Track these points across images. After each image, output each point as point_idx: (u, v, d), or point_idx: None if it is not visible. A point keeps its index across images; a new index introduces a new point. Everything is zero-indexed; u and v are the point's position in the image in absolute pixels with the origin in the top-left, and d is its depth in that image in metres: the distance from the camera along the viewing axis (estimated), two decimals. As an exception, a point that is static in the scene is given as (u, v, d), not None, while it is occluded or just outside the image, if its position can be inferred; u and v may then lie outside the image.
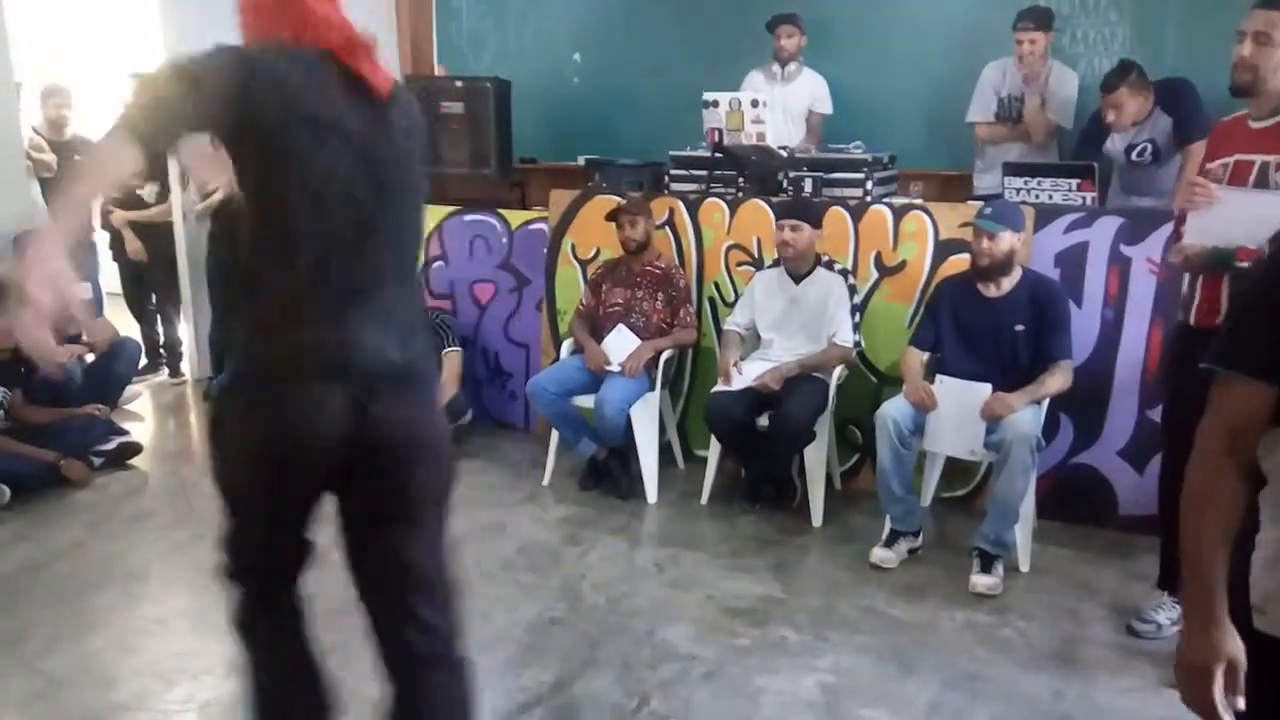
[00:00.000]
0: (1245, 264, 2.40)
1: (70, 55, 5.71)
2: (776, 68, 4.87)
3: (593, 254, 4.40)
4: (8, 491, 3.70)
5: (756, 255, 4.10)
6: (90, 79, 5.64)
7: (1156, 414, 3.35)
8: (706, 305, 4.22)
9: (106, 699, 2.51)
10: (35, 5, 5.01)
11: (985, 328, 3.29)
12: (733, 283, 4.16)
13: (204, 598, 3.01)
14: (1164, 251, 3.16)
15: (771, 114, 4.13)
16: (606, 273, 4.13)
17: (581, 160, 5.17)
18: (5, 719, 2.44)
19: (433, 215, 4.90)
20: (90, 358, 4.51)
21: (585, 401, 3.84)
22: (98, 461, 4.06)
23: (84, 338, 4.44)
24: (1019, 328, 3.24)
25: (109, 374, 4.55)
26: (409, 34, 6.19)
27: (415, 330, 1.74)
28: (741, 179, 4.25)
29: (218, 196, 4.91)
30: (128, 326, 5.21)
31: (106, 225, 5.26)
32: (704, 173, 4.33)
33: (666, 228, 4.23)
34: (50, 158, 4.85)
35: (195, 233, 5.22)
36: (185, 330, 5.52)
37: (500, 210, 4.79)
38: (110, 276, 5.46)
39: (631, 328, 3.93)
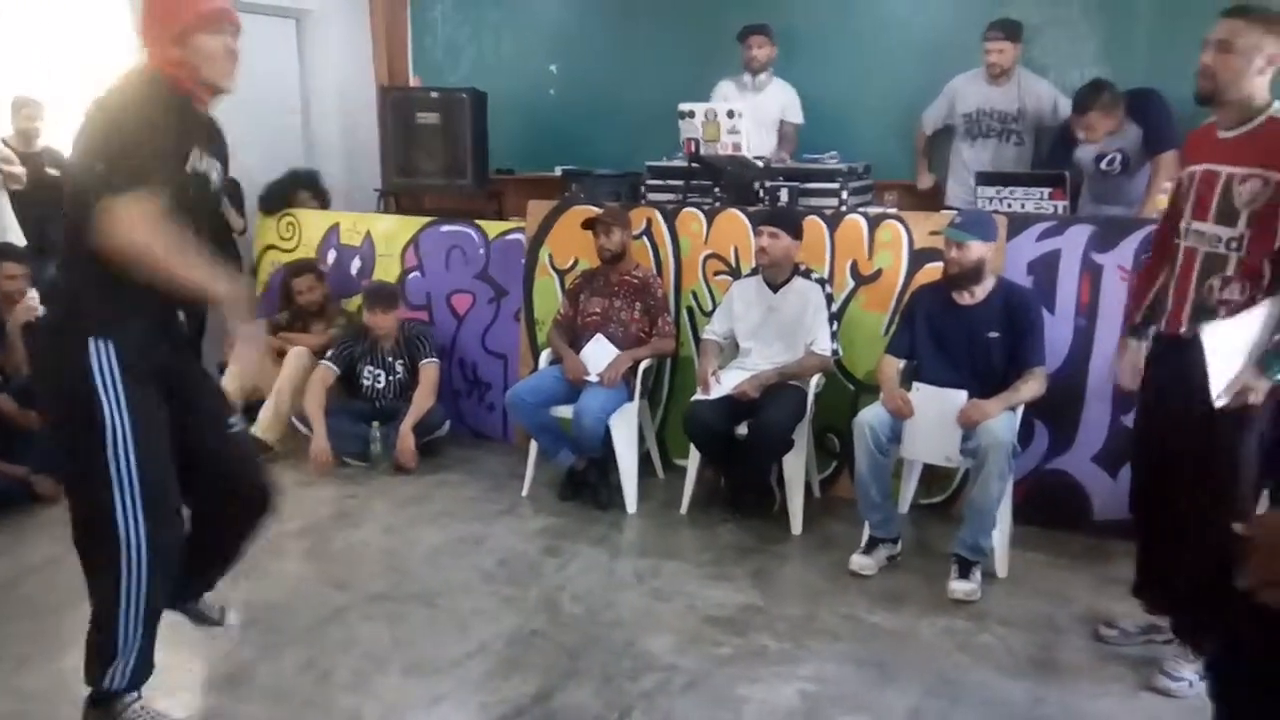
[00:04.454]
0: None
1: (41, 66, 5.65)
2: (747, 77, 4.91)
3: (570, 264, 4.40)
4: (-23, 508, 3.64)
5: (734, 265, 4.11)
6: (61, 90, 5.58)
7: (1129, 420, 3.39)
8: (684, 315, 4.22)
9: (79, 717, 2.47)
10: (6, 17, 4.94)
11: (960, 335, 3.32)
12: (710, 292, 4.17)
13: (174, 616, 2.97)
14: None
15: (744, 124, 4.16)
16: (584, 282, 4.13)
17: (558, 171, 5.18)
18: (-24, 739, 2.40)
19: (409, 226, 4.89)
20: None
21: (564, 412, 3.83)
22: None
23: None
24: (993, 335, 3.27)
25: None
26: (384, 45, 6.18)
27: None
28: (718, 189, 4.27)
29: None
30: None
31: None
32: (681, 183, 4.35)
33: (644, 238, 4.24)
34: (20, 170, 4.78)
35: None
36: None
37: (477, 221, 4.78)
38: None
39: (610, 337, 3.93)
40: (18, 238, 4.62)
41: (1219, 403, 2.34)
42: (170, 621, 2.95)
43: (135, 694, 2.32)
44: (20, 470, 3.77)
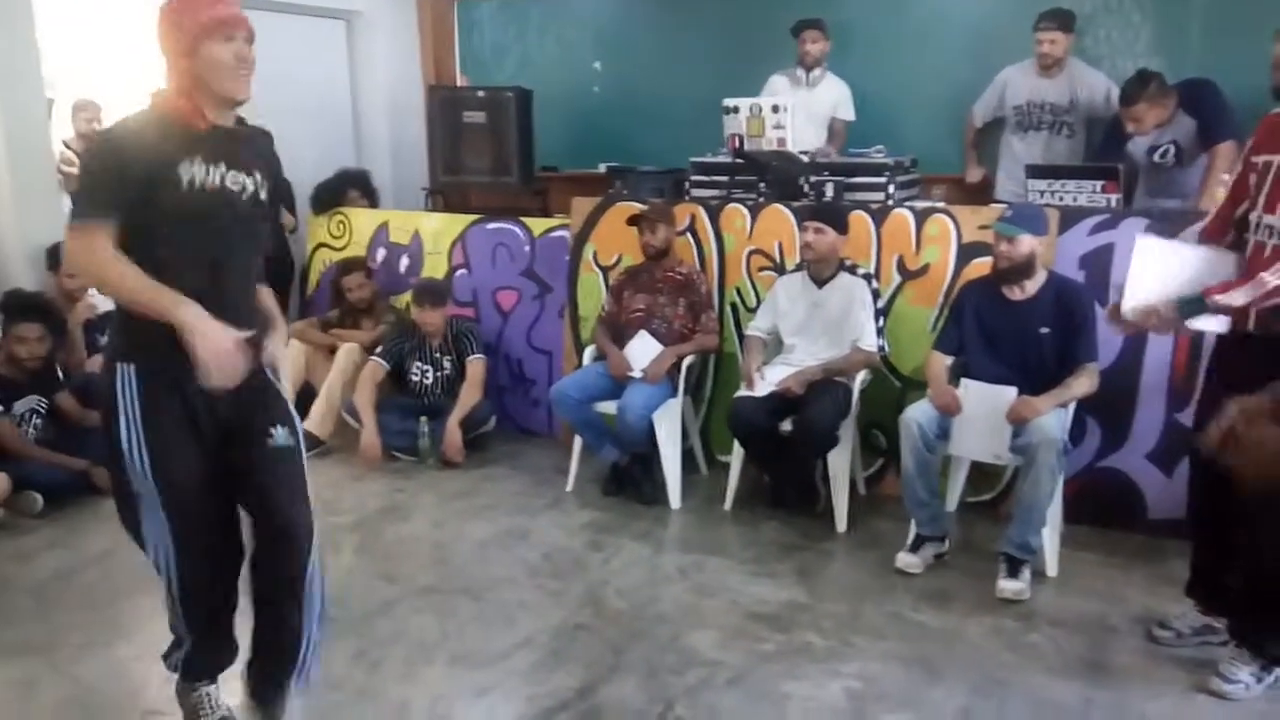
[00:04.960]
0: (1219, 298, 2.36)
1: (100, 68, 5.81)
2: (801, 72, 4.87)
3: (614, 260, 4.41)
4: (40, 500, 3.75)
5: (778, 260, 4.10)
6: (119, 92, 5.73)
7: (1184, 417, 3.32)
8: (728, 311, 4.22)
9: (136, 705, 2.54)
10: (65, 19, 5.09)
11: (1009, 331, 3.27)
12: (754, 288, 4.15)
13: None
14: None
15: (794, 119, 4.14)
16: (628, 279, 4.14)
17: (603, 168, 5.20)
18: (38, 724, 2.48)
19: (456, 224, 4.94)
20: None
21: (608, 408, 3.85)
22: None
23: None
24: (1043, 330, 3.22)
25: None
26: (432, 45, 6.26)
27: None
28: (762, 184, 4.26)
29: None
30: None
31: None
32: (725, 179, 4.35)
33: (688, 234, 4.24)
34: (80, 171, 4.92)
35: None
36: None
37: (522, 218, 4.82)
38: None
39: (654, 334, 3.94)
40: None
41: (1124, 314, 2.52)
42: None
43: (208, 680, 2.33)
44: (81, 463, 3.88)
